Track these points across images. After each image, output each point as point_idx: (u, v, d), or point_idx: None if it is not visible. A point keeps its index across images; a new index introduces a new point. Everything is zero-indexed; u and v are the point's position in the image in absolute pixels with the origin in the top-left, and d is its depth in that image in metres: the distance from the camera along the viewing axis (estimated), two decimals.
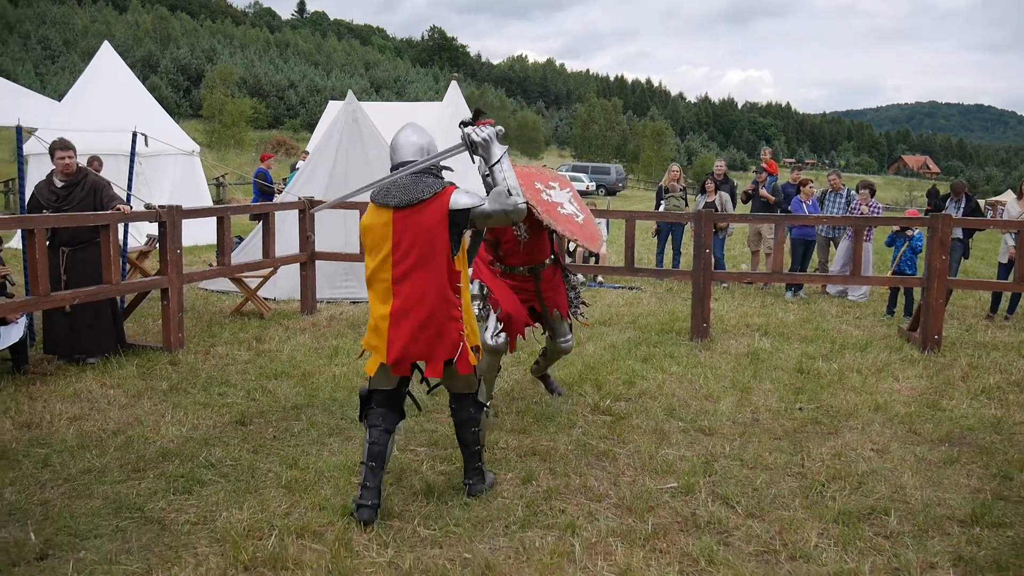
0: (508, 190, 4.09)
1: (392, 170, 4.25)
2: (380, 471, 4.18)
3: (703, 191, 12.89)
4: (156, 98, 23.23)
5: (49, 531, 3.98)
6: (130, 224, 9.90)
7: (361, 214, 8.98)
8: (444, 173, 4.36)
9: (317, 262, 9.61)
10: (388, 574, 3.64)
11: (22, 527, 4.02)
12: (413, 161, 4.23)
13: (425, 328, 4.10)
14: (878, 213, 11.46)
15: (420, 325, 4.09)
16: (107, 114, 13.75)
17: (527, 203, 5.23)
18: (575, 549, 3.89)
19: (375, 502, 4.12)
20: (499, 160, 4.22)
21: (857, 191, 11.56)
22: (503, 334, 5.51)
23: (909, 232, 10.17)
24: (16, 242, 13.92)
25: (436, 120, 16.19)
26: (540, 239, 5.74)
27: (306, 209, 9.40)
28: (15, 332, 6.56)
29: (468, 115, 18.70)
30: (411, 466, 4.89)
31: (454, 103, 18.41)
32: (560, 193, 5.93)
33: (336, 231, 10.33)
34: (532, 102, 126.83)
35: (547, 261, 5.84)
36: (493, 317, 5.56)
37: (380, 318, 4.14)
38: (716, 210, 11.98)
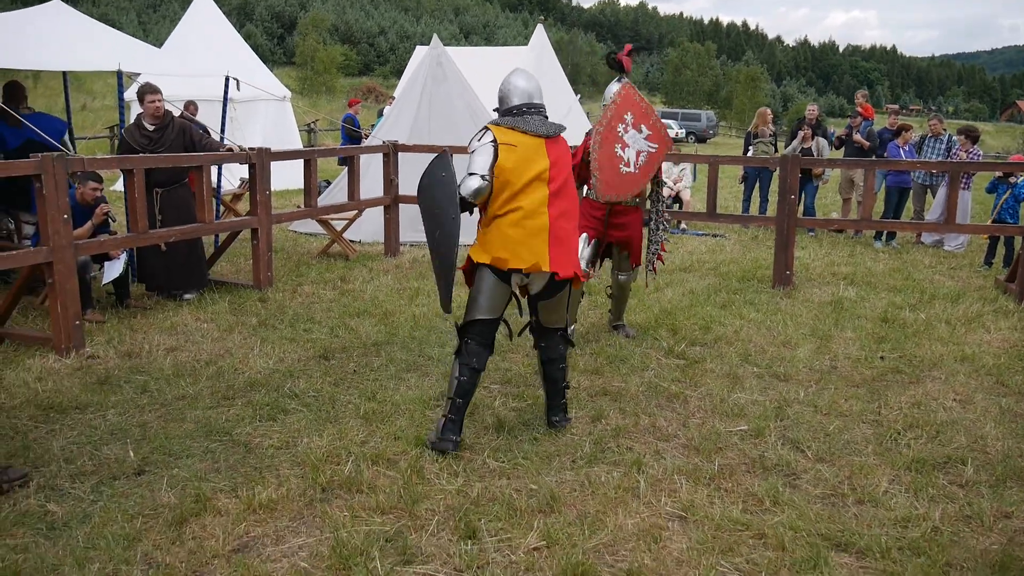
0: None
1: (509, 110, 4.46)
2: (465, 408, 4.34)
3: (793, 136, 12.50)
4: (251, 46, 23.72)
5: (146, 450, 4.27)
6: (224, 167, 10.26)
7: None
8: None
9: (401, 205, 9.78)
10: (456, 500, 3.79)
11: (122, 445, 4.32)
12: (533, 104, 4.48)
13: (572, 242, 4.43)
14: (979, 158, 10.93)
15: (570, 238, 4.41)
16: (203, 61, 14.12)
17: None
18: (640, 484, 3.96)
19: (457, 437, 4.28)
20: None
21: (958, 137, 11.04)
22: (590, 263, 5.83)
23: (1013, 179, 9.69)
24: (119, 185, 14.58)
25: (520, 64, 16.05)
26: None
27: (390, 152, 9.55)
28: (116, 267, 6.94)
29: (554, 59, 18.51)
30: (484, 401, 5.03)
31: (540, 48, 18.22)
32: (639, 138, 5.91)
33: (420, 175, 10.44)
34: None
35: (630, 200, 5.91)
36: (582, 245, 5.77)
37: (535, 229, 4.27)
38: (812, 156, 11.61)
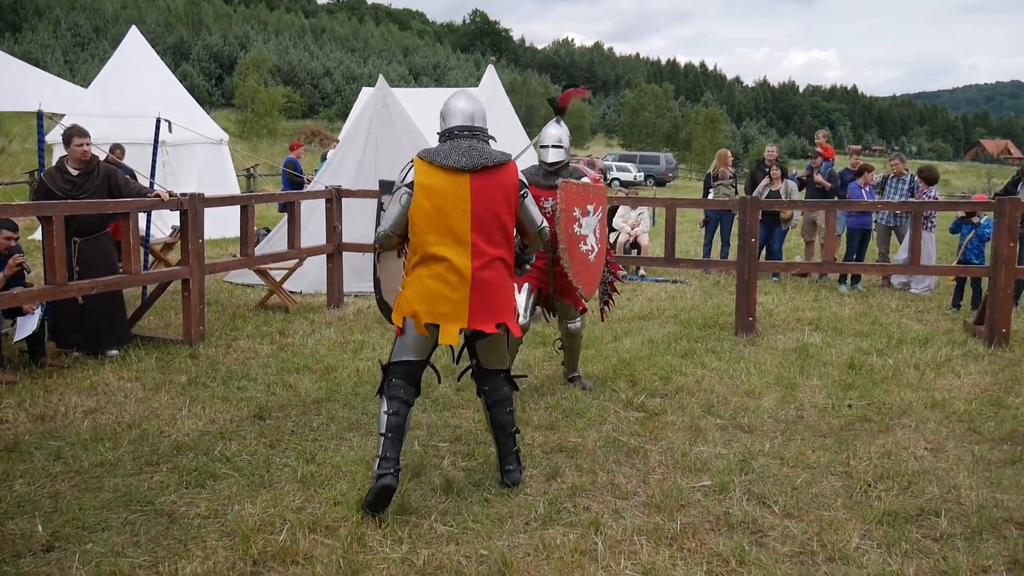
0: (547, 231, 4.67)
1: (443, 135, 4.43)
2: (399, 444, 4.27)
3: (753, 178, 12.74)
4: (188, 87, 23.59)
5: (57, 523, 4.10)
6: (155, 214, 10.12)
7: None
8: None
9: (344, 254, 9.72)
10: (401, 570, 3.69)
11: (30, 519, 4.14)
12: (472, 127, 4.42)
13: (500, 291, 4.35)
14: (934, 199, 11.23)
15: (498, 287, 4.33)
16: (133, 101, 14.02)
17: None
18: (598, 547, 3.89)
19: (396, 469, 4.20)
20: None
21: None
22: (526, 313, 5.78)
23: (976, 219, 9.95)
24: (38, 234, 14.30)
25: None
26: None
27: (333, 198, 9.51)
28: (31, 323, 6.75)
29: (506, 101, 18.73)
30: (431, 461, 4.94)
31: (491, 89, 18.42)
32: (592, 219, 5.99)
33: (365, 221, 10.41)
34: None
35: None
36: (516, 294, 5.69)
37: (455, 280, 4.22)
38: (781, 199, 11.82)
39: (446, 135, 4.41)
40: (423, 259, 4.27)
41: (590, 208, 5.99)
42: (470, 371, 4.70)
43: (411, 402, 4.37)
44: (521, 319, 5.77)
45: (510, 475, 4.59)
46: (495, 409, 4.59)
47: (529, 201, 4.51)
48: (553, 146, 6.12)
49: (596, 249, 6.03)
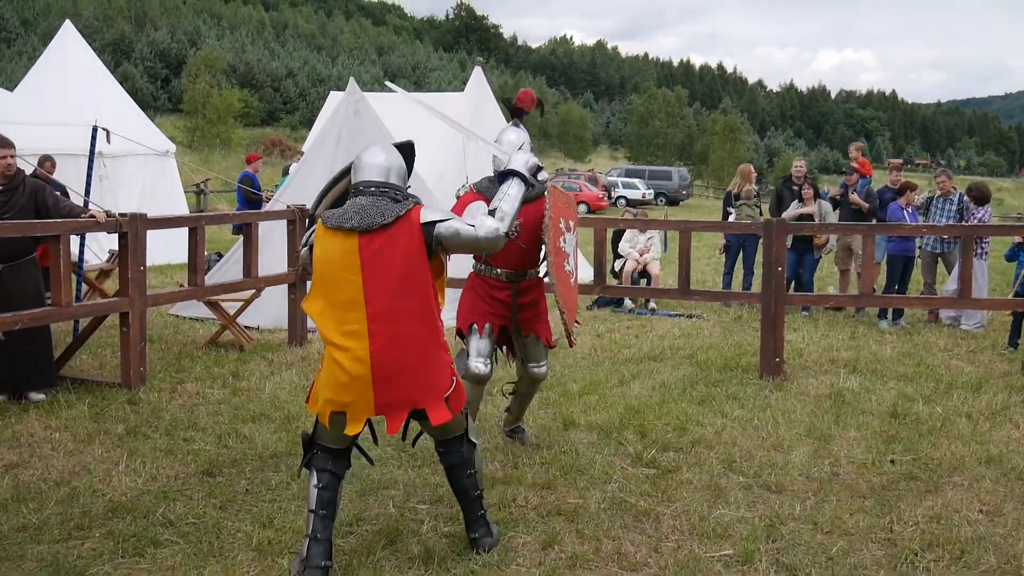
0: (500, 215, 4.49)
1: (354, 192, 4.43)
2: (331, 522, 4.33)
3: (779, 197, 12.83)
4: (130, 89, 23.68)
5: None
6: (89, 237, 10.11)
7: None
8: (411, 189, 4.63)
9: (309, 283, 9.70)
10: None
11: None
12: (372, 184, 4.40)
13: (415, 369, 4.29)
14: (987, 221, 11.32)
15: (410, 367, 4.27)
16: (66, 107, 14.10)
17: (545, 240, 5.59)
18: None
19: (327, 563, 4.23)
20: (511, 182, 4.70)
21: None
22: (488, 360, 5.80)
23: None
24: None
25: (457, 114, 16.31)
26: (535, 244, 5.87)
27: (296, 219, 9.53)
28: None
29: (495, 107, 18.86)
30: (409, 526, 4.92)
31: (478, 93, 18.54)
32: (572, 237, 6.04)
33: None
34: (578, 93, 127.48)
35: (533, 272, 6.01)
36: (476, 339, 5.82)
37: (352, 367, 4.21)
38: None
39: (353, 192, 4.42)
40: (325, 340, 4.34)
41: (571, 224, 6.03)
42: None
43: (343, 473, 4.47)
44: (482, 366, 5.77)
45: (480, 543, 4.59)
46: (454, 474, 4.63)
47: (448, 227, 4.32)
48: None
49: (574, 274, 6.05)
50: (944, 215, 11.94)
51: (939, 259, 12.12)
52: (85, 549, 4.59)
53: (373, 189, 4.35)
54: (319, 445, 4.44)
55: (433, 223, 4.31)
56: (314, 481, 4.35)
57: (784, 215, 12.18)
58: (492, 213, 4.46)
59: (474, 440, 4.68)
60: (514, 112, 6.24)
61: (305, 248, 4.54)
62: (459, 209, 5.85)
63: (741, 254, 13.11)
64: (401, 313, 4.25)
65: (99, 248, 12.94)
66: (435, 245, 4.31)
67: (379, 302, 4.22)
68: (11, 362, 7.18)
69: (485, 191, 5.87)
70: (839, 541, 4.82)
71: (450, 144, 15.59)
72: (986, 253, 11.75)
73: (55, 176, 10.82)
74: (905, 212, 11.74)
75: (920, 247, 12.14)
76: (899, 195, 12.04)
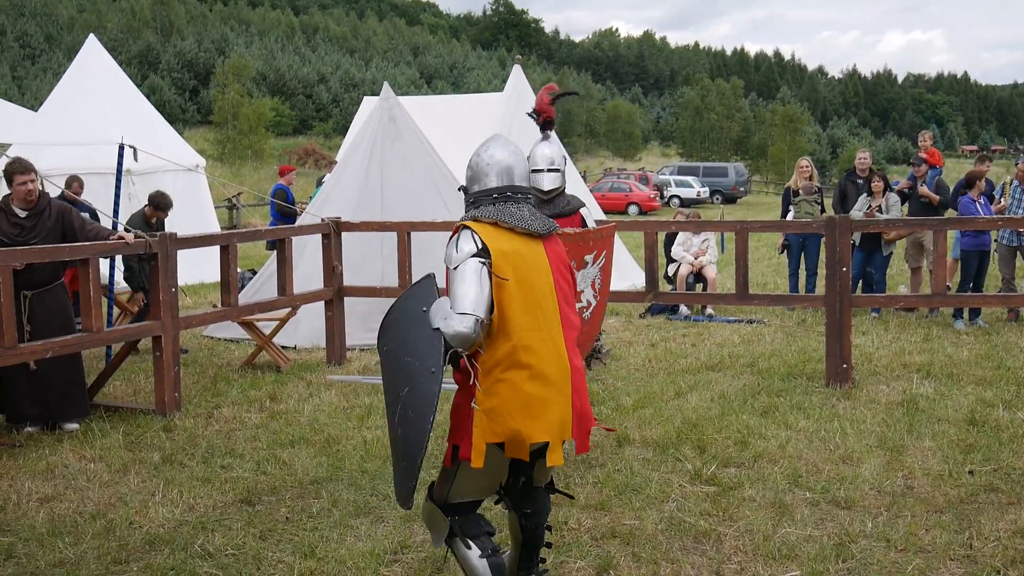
0: None
1: (488, 195, 4.16)
2: None
3: (842, 191, 12.72)
4: (157, 103, 24.06)
5: None
6: (119, 259, 10.32)
7: (403, 235, 9.19)
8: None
9: (347, 299, 9.83)
10: None
11: None
12: (522, 189, 4.23)
13: (583, 389, 4.14)
14: None
15: (583, 381, 4.14)
16: (92, 125, 14.36)
17: None
18: None
19: None
20: None
21: None
22: None
23: None
24: None
25: (497, 116, 16.39)
26: None
27: (332, 232, 9.64)
28: None
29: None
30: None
31: (518, 93, 18.61)
32: (591, 270, 6.06)
33: (371, 260, 10.55)
34: (626, 88, 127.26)
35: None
36: None
37: (559, 381, 3.97)
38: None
39: (495, 195, 4.14)
40: (514, 354, 3.91)
41: (588, 259, 6.08)
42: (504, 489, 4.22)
43: (494, 531, 4.16)
44: None
45: None
46: (530, 525, 4.22)
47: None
48: (549, 169, 6.19)
49: (593, 304, 6.09)
50: (1021, 206, 11.76)
51: (1017, 252, 11.93)
52: None
53: (520, 196, 4.19)
54: (461, 506, 4.08)
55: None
56: (476, 553, 3.99)
57: (853, 211, 12.04)
58: None
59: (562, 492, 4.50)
60: (542, 125, 6.29)
61: (471, 257, 3.95)
62: None
63: (803, 254, 13.00)
64: (572, 324, 4.15)
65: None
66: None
67: (564, 306, 4.12)
68: (43, 392, 7.35)
69: None
70: (914, 559, 4.78)
71: None
72: None
73: (83, 196, 11.05)
74: (977, 204, 11.58)
75: (996, 240, 11.95)
76: (968, 187, 11.88)
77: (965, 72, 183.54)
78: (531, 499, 4.18)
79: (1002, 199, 12.54)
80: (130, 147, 9.67)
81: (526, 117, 6.41)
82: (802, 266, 13.06)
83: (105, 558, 5.00)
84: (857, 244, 11.96)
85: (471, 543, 4.00)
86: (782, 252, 13.53)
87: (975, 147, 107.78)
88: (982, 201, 11.67)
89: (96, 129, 13.46)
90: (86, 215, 10.25)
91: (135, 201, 14.72)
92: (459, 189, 4.39)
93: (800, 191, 13.11)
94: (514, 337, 3.90)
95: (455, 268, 3.95)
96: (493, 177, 4.16)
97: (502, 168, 4.17)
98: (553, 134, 6.30)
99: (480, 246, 3.94)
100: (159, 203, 10.23)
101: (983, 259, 11.74)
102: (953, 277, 12.66)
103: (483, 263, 3.92)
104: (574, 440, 4.05)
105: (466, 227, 4.03)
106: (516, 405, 3.86)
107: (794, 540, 5.04)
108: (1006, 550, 4.87)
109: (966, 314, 11.41)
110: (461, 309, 3.83)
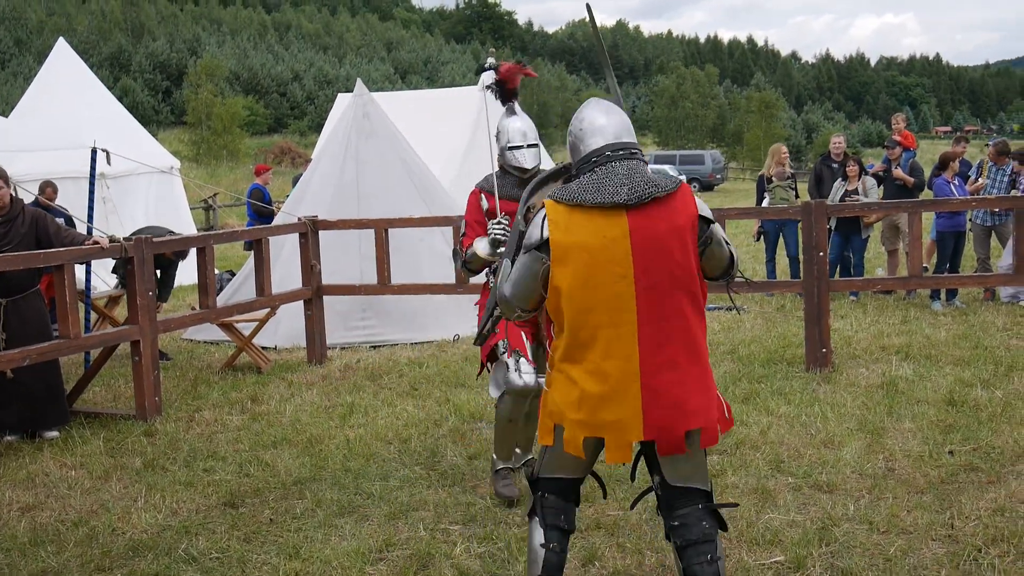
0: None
1: (587, 161, 3.83)
2: None
3: (818, 176, 12.76)
4: (129, 104, 23.87)
5: None
6: (96, 263, 10.26)
7: (380, 232, 9.17)
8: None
9: (326, 298, 9.80)
10: None
11: None
12: (627, 146, 3.81)
13: (685, 380, 3.69)
14: None
15: (684, 374, 3.69)
16: (64, 129, 14.26)
17: None
18: None
19: None
20: None
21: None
22: (534, 370, 5.39)
23: None
24: None
25: (473, 109, 16.34)
26: None
27: (308, 232, 9.60)
28: None
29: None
30: (441, 549, 4.96)
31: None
32: None
33: (350, 257, 10.52)
34: (600, 78, 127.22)
35: None
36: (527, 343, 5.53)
37: (620, 375, 3.64)
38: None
39: (594, 159, 3.79)
40: (571, 348, 3.73)
41: None
42: (653, 492, 3.93)
43: (573, 527, 3.98)
44: (528, 378, 5.37)
45: None
46: (688, 556, 3.70)
47: (719, 232, 3.80)
48: (529, 145, 5.74)
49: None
50: (996, 186, 11.84)
51: (992, 232, 12.01)
52: None
53: (622, 152, 3.76)
54: (550, 482, 3.92)
55: (707, 220, 3.74)
56: (540, 539, 3.86)
57: (831, 197, 12.08)
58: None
59: (723, 514, 3.87)
60: (505, 95, 5.81)
61: (534, 251, 3.74)
62: (469, 210, 5.82)
63: (781, 240, 13.04)
64: (674, 312, 3.67)
65: (107, 273, 13.09)
66: (701, 246, 3.74)
67: (650, 295, 3.64)
68: (21, 400, 7.30)
69: (501, 190, 5.73)
70: (897, 541, 4.81)
71: (467, 145, 15.63)
72: None
73: (57, 202, 10.98)
74: (952, 186, 11.65)
75: (971, 220, 12.03)
76: (942, 168, 11.95)
77: (937, 54, 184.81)
78: (674, 503, 3.77)
79: (979, 179, 12.62)
80: (103, 151, 9.62)
81: (499, 109, 6.17)
82: (781, 252, 13.11)
83: (88, 566, 4.97)
84: (834, 228, 12.03)
85: (539, 531, 3.88)
86: (758, 239, 13.57)
87: (948, 128, 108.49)
88: (956, 182, 11.76)
89: (68, 133, 13.37)
90: (61, 220, 10.19)
91: (109, 205, 14.66)
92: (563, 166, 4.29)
93: (774, 178, 13.14)
94: (569, 333, 3.70)
95: (524, 250, 3.78)
96: (591, 139, 3.83)
97: (598, 129, 3.84)
98: (518, 106, 5.88)
99: (543, 237, 3.69)
100: None
101: (958, 240, 11.82)
102: (930, 259, 12.76)
103: (540, 259, 3.72)
104: (656, 442, 3.67)
105: (543, 206, 3.76)
106: (568, 399, 3.71)
107: (777, 525, 5.06)
108: (987, 528, 4.91)
109: (943, 295, 11.49)
110: (503, 292, 3.90)
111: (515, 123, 5.76)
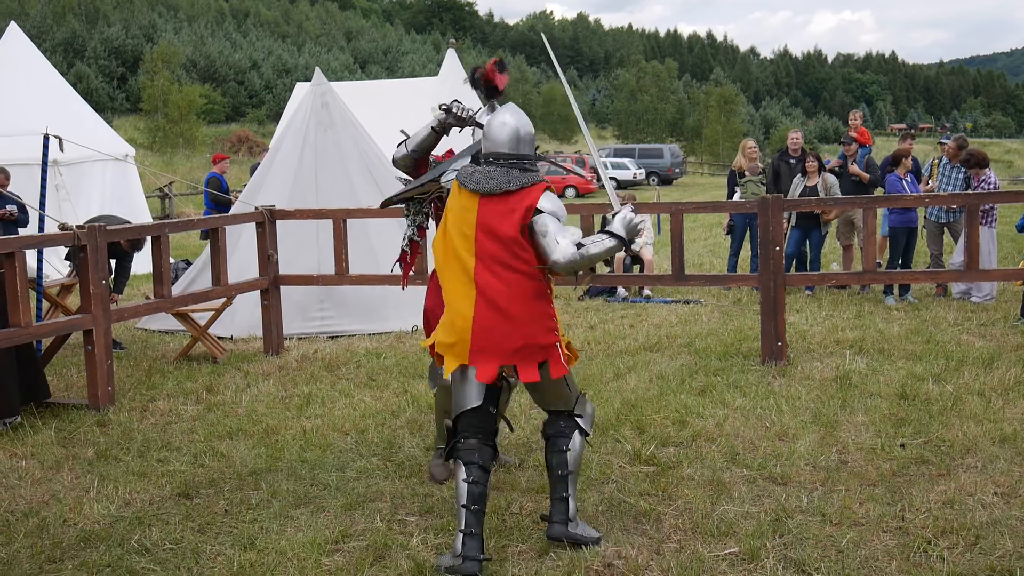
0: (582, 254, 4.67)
1: (484, 159, 4.85)
2: (483, 515, 4.60)
3: (775, 171, 12.87)
4: (83, 90, 23.56)
5: None
6: (47, 250, 10.11)
7: (338, 222, 9.15)
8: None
9: (283, 288, 9.74)
10: None
11: None
12: (509, 155, 4.80)
13: (513, 324, 4.62)
14: (994, 189, 11.38)
15: (507, 321, 4.62)
16: (15, 115, 14.07)
17: None
18: None
19: (484, 556, 4.52)
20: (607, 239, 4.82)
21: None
22: None
23: None
24: None
25: (432, 98, 16.32)
26: None
27: (265, 220, 9.53)
28: None
29: (471, 91, 18.93)
30: (397, 540, 4.95)
31: (452, 77, 18.66)
32: None
33: (307, 247, 10.47)
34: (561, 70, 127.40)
35: None
36: None
37: (459, 311, 4.67)
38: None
39: (481, 158, 4.88)
40: (443, 287, 4.84)
41: None
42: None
43: (489, 466, 4.71)
44: None
45: (550, 528, 4.78)
46: (548, 447, 4.89)
47: (543, 224, 4.67)
48: None
49: None
50: (951, 183, 12.00)
51: (944, 229, 12.18)
52: None
53: (503, 161, 4.77)
54: (463, 419, 4.75)
55: (539, 211, 4.66)
56: (463, 475, 4.61)
57: (791, 192, 12.18)
58: (579, 245, 4.67)
59: (583, 425, 4.92)
60: (490, 92, 5.86)
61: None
62: None
63: (747, 235, 13.13)
64: (503, 272, 4.64)
65: (59, 260, 12.92)
66: (526, 228, 4.66)
67: (486, 258, 4.65)
68: None
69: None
70: (849, 532, 4.87)
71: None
72: (995, 220, 11.80)
73: (9, 189, 10.81)
74: (904, 182, 11.79)
75: (924, 217, 12.19)
76: (895, 164, 12.09)
77: (893, 51, 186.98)
78: (549, 421, 4.94)
79: (930, 180, 12.79)
80: (55, 137, 9.48)
81: (463, 100, 6.19)
82: (746, 245, 13.20)
83: (39, 557, 4.91)
84: (793, 224, 12.15)
85: (461, 467, 4.64)
86: (728, 233, 13.64)
87: (903, 126, 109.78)
88: (908, 179, 11.90)
89: (20, 119, 13.21)
90: (13, 208, 10.05)
91: (62, 192, 14.48)
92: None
93: (746, 172, 13.22)
94: (440, 275, 4.85)
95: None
96: (486, 142, 4.89)
97: (489, 135, 4.87)
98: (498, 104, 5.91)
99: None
100: None
101: (911, 235, 11.98)
102: (882, 254, 12.91)
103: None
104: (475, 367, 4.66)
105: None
106: (442, 324, 4.85)
107: (732, 517, 5.10)
108: (936, 520, 4.97)
109: (896, 290, 11.64)
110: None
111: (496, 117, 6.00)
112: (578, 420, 4.91)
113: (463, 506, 4.54)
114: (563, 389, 4.84)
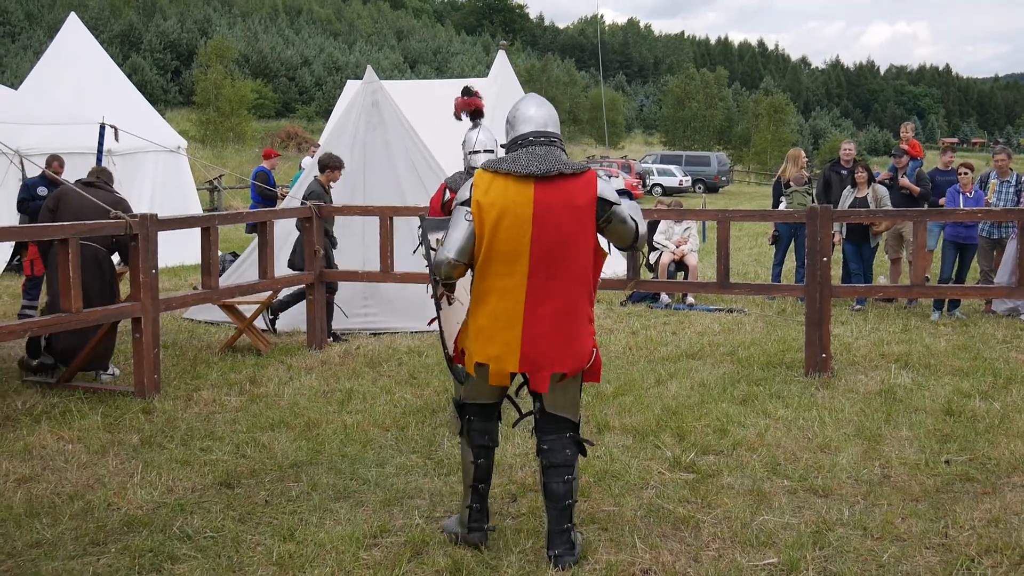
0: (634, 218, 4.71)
1: (513, 143, 4.73)
2: (488, 488, 4.82)
3: (826, 182, 12.76)
4: (138, 83, 23.88)
5: None
6: None
7: (385, 219, 9.18)
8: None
9: (328, 284, 9.80)
10: None
11: None
12: (548, 134, 4.68)
13: (562, 329, 4.54)
14: None
15: (559, 325, 4.53)
16: (72, 104, 14.29)
17: None
18: None
19: (488, 526, 4.80)
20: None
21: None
22: None
23: None
24: None
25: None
26: None
27: (313, 217, 9.60)
28: None
29: (520, 93, 18.95)
30: (435, 538, 4.97)
31: (502, 79, 18.61)
32: None
33: (352, 244, 10.53)
34: (610, 75, 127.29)
35: None
36: None
37: (507, 316, 4.51)
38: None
39: (518, 142, 4.67)
40: (478, 292, 4.61)
41: None
42: (533, 418, 4.79)
43: (497, 442, 4.85)
44: None
45: (560, 560, 4.58)
46: (549, 475, 4.65)
47: (622, 212, 4.64)
48: (485, 151, 6.87)
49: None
50: (1002, 198, 11.82)
51: (996, 245, 11.98)
52: (101, 565, 4.68)
53: (544, 139, 4.62)
54: (471, 407, 4.78)
55: (608, 202, 4.57)
56: (470, 457, 4.75)
57: (841, 203, 12.05)
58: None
59: (586, 442, 4.83)
60: (474, 114, 7.05)
61: (462, 206, 4.60)
62: (432, 205, 6.92)
63: (793, 245, 13.00)
64: (561, 272, 4.51)
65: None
66: (603, 223, 4.60)
67: (543, 255, 4.47)
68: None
69: (454, 186, 6.72)
70: (890, 547, 4.82)
71: None
72: None
73: (64, 176, 10.98)
74: (963, 196, 11.59)
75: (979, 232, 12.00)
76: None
77: (947, 65, 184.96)
78: (547, 429, 4.68)
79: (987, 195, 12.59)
80: (111, 127, 9.66)
81: (510, 102, 6.52)
82: (790, 256, 13.09)
83: (83, 539, 4.98)
84: (845, 238, 12.03)
85: (469, 450, 4.77)
86: (773, 243, 13.51)
87: (955, 140, 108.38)
88: (970, 194, 11.64)
89: (77, 109, 13.39)
90: None
91: (115, 182, 14.68)
92: (502, 146, 4.92)
93: (792, 182, 13.10)
94: (479, 273, 4.59)
95: (453, 208, 4.65)
96: (520, 126, 4.71)
97: (520, 118, 4.73)
98: (483, 123, 7.04)
99: (467, 197, 4.55)
100: (331, 163, 10.09)
101: (965, 251, 11.77)
102: (930, 269, 12.74)
103: (467, 215, 4.54)
104: (528, 375, 4.59)
105: (474, 175, 4.61)
106: (473, 329, 4.62)
107: (772, 527, 5.07)
108: (980, 539, 4.91)
109: (945, 305, 11.45)
110: (446, 249, 4.59)
111: (480, 135, 6.95)
112: (579, 439, 4.76)
113: (469, 486, 4.74)
114: (579, 395, 4.78)
